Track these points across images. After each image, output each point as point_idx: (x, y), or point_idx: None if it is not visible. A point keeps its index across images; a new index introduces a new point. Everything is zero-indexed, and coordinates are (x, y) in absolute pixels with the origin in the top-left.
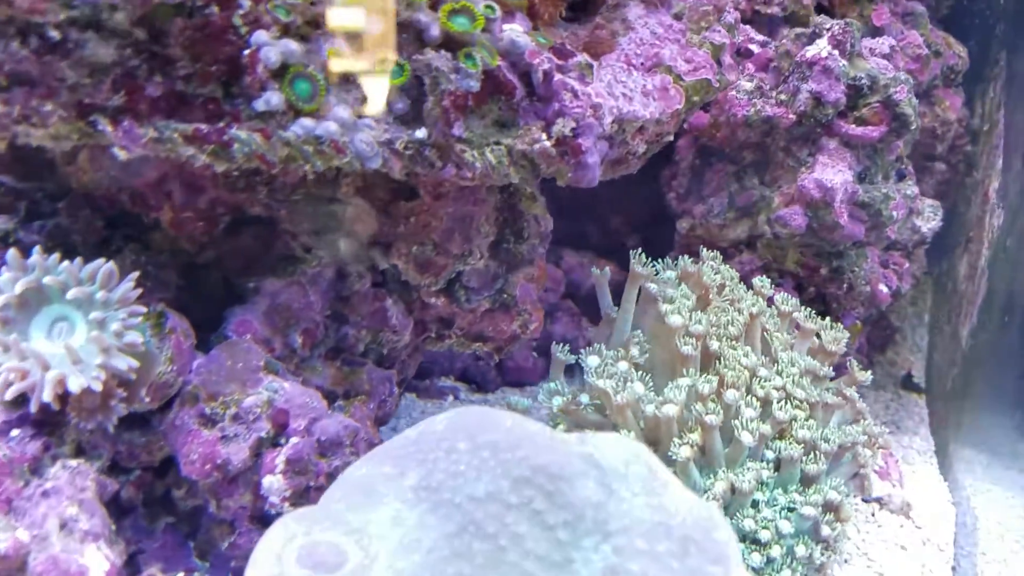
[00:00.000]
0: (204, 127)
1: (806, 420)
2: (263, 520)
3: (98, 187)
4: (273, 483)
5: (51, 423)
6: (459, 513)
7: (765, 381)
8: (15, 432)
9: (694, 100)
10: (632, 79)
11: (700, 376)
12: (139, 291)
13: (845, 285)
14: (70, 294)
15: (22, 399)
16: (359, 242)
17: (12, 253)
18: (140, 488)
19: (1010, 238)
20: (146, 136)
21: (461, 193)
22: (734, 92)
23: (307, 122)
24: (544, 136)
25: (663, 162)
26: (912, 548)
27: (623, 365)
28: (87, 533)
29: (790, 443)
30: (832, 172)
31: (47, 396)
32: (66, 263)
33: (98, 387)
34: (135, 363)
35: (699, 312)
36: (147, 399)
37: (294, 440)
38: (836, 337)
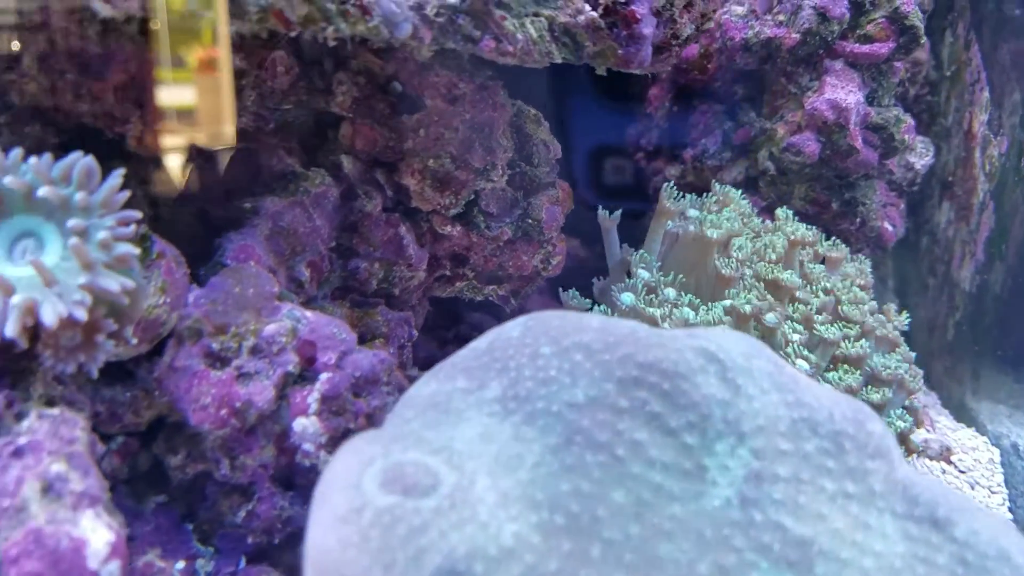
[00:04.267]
0: None
1: (855, 342)
2: (289, 480)
3: (48, 97)
4: (307, 426)
5: (15, 369)
6: (560, 423)
7: (805, 305)
8: None
9: None
10: None
11: (740, 296)
12: (128, 193)
13: (858, 220)
14: (42, 192)
15: None
16: (363, 162)
17: None
18: (125, 458)
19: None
20: None
21: (479, 96)
22: (728, 16)
23: None
24: (588, 7)
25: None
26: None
27: (671, 292)
28: (81, 496)
29: (847, 371)
30: (843, 92)
31: (11, 331)
32: (33, 159)
33: (83, 315)
34: (130, 283)
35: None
36: (134, 340)
37: (326, 375)
38: (862, 269)
